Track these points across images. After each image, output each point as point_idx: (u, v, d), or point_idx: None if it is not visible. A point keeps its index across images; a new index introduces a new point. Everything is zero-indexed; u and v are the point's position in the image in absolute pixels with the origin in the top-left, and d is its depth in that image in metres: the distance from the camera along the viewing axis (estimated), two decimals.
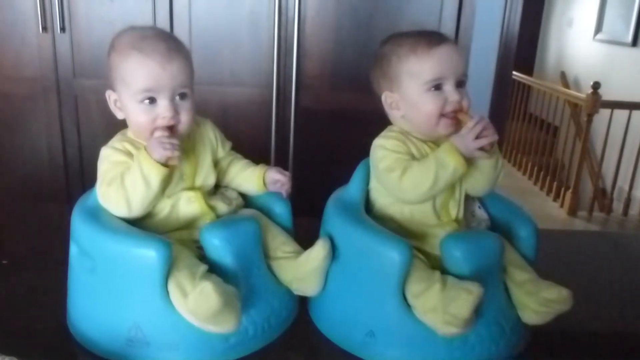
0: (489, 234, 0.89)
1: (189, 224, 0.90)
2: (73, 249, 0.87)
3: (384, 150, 0.90)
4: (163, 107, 0.85)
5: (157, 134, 0.84)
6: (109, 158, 0.88)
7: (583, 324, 0.96)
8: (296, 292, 0.91)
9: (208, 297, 0.74)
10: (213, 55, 2.00)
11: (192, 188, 0.91)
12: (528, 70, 5.72)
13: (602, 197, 4.20)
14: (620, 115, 3.89)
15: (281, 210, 0.97)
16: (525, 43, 5.73)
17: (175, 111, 0.85)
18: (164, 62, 0.83)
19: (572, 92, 4.53)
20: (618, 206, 4.13)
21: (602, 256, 1.27)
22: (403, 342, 0.83)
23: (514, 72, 3.80)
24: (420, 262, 0.85)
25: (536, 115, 4.95)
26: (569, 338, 0.92)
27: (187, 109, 0.87)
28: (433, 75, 0.87)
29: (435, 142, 0.91)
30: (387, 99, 0.92)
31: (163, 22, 1.96)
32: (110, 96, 0.89)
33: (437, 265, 0.85)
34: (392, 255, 0.81)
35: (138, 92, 0.84)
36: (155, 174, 0.82)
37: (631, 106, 3.88)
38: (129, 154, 0.86)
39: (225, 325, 0.77)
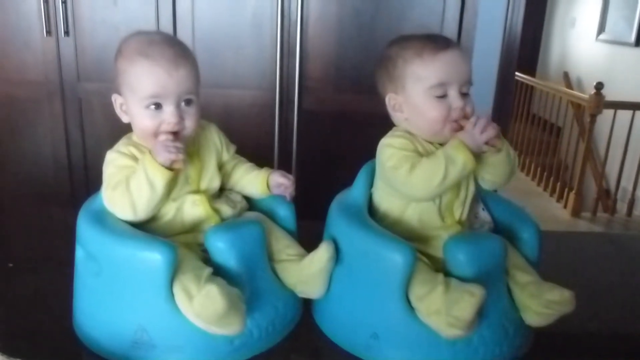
0: (492, 236, 0.89)
1: (194, 227, 0.90)
2: (79, 252, 0.88)
3: (391, 148, 0.90)
4: (168, 113, 0.85)
5: (162, 137, 0.84)
6: (114, 162, 0.88)
7: (586, 325, 0.96)
8: (300, 295, 0.92)
9: (213, 300, 0.75)
10: (216, 57, 2.01)
11: (197, 191, 0.92)
12: (531, 71, 5.72)
13: (606, 198, 4.19)
14: (624, 115, 3.88)
15: (285, 213, 0.98)
16: (527, 44, 5.74)
17: (181, 117, 0.86)
18: (171, 68, 0.84)
19: (575, 92, 4.53)
20: (622, 207, 4.12)
21: (605, 257, 1.27)
22: (407, 344, 0.84)
23: (517, 73, 3.79)
24: (424, 264, 0.85)
25: (539, 116, 4.95)
26: (571, 339, 0.92)
27: (192, 114, 0.88)
28: (438, 80, 0.87)
29: (440, 144, 0.91)
30: (391, 100, 0.92)
31: (166, 25, 1.96)
32: (117, 100, 0.90)
33: (440, 267, 0.85)
34: (396, 258, 0.81)
35: (144, 97, 0.85)
36: (160, 178, 0.82)
37: (634, 106, 3.87)
38: (134, 158, 0.87)
39: (230, 328, 0.78)
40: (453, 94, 0.87)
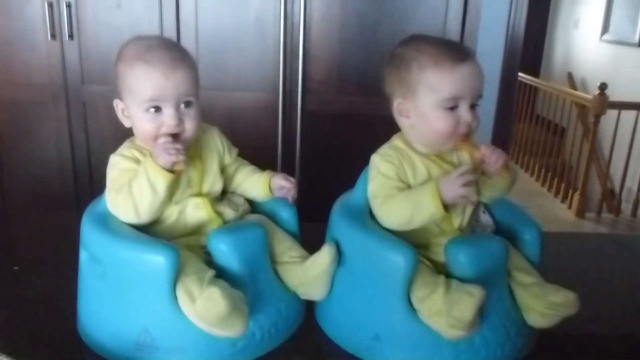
0: (493, 237, 0.89)
1: (197, 230, 0.91)
2: (83, 255, 0.89)
3: (376, 172, 0.90)
4: (168, 116, 0.86)
5: (162, 140, 0.85)
6: (117, 165, 0.89)
7: (589, 326, 0.96)
8: (302, 297, 0.92)
9: (216, 302, 0.75)
10: (220, 60, 2.02)
11: (199, 194, 0.92)
12: (534, 71, 5.71)
13: (610, 199, 4.18)
14: (628, 115, 3.88)
15: (287, 215, 0.98)
16: (531, 44, 5.73)
17: (180, 119, 0.87)
18: (168, 72, 0.85)
19: (579, 93, 4.52)
20: (627, 207, 4.11)
21: (608, 258, 1.27)
22: (409, 345, 0.84)
23: (520, 74, 3.79)
24: (425, 266, 0.85)
25: (543, 116, 4.94)
26: (574, 341, 0.92)
27: (192, 116, 0.88)
28: (452, 94, 0.85)
29: (439, 155, 0.91)
30: (399, 105, 0.91)
31: (170, 28, 1.97)
32: (118, 105, 0.91)
33: (442, 271, 0.85)
34: (398, 259, 0.82)
35: (143, 101, 0.86)
36: (162, 180, 0.83)
37: (638, 107, 3.86)
38: (138, 161, 0.88)
39: (232, 330, 0.78)
40: (463, 108, 0.86)
